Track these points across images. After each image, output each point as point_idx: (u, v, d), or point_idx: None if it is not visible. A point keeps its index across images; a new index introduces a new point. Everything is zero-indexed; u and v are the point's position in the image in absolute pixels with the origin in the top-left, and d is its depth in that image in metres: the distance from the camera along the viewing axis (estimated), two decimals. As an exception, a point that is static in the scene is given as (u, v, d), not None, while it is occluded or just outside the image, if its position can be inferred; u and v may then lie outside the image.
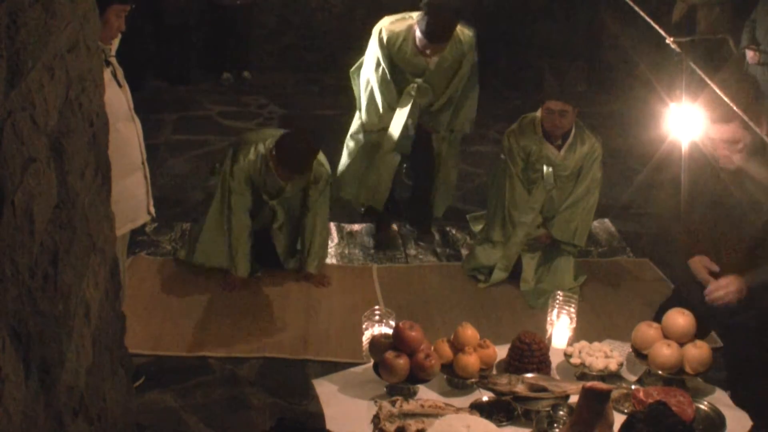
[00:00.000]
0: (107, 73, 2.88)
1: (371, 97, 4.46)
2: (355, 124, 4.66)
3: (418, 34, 4.22)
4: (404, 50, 4.32)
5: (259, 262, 4.39)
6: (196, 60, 8.27)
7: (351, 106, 4.75)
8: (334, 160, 5.61)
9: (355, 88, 4.65)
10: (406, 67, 4.37)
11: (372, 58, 4.42)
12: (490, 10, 8.20)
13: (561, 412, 2.45)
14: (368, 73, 4.45)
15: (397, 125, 4.43)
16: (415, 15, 4.26)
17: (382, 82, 4.38)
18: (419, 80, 4.37)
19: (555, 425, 2.43)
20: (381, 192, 4.63)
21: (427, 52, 4.27)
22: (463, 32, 4.38)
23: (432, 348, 2.66)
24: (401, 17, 4.38)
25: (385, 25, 4.36)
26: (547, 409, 2.47)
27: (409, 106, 4.38)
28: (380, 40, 4.34)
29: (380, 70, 4.37)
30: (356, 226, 4.96)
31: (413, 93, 4.37)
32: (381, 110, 4.43)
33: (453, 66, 4.42)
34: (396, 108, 4.42)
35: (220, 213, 4.19)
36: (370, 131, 4.52)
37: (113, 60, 3.00)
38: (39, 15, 1.38)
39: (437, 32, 4.16)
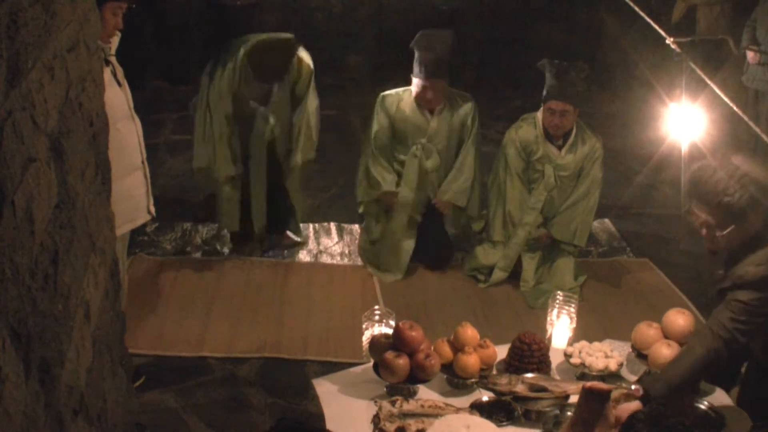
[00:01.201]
0: (107, 73, 2.87)
1: (374, 165, 4.42)
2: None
3: (414, 81, 4.25)
4: (403, 110, 4.35)
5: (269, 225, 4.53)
6: (197, 60, 8.27)
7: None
8: (336, 160, 5.63)
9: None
10: (408, 129, 4.38)
11: (375, 126, 4.43)
12: (490, 10, 8.21)
13: (569, 413, 2.44)
14: (366, 146, 4.47)
15: (407, 191, 4.41)
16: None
17: (381, 146, 4.39)
18: (423, 140, 4.37)
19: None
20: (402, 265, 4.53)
21: (428, 96, 4.24)
22: (462, 94, 4.44)
23: (432, 348, 2.66)
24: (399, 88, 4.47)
25: (385, 93, 4.44)
26: (548, 409, 2.47)
27: (415, 169, 4.37)
28: (381, 104, 4.39)
29: (379, 135, 4.38)
30: (356, 226, 4.96)
31: (418, 153, 4.37)
32: (385, 174, 4.39)
33: (456, 127, 4.40)
34: (401, 171, 4.41)
35: (204, 121, 4.20)
36: (382, 199, 4.45)
37: (113, 59, 3.00)
38: (39, 15, 1.38)
39: (431, 64, 4.17)
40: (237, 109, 4.19)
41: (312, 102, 4.38)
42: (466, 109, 4.39)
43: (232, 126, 4.20)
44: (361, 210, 4.59)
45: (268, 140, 4.35)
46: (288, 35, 4.19)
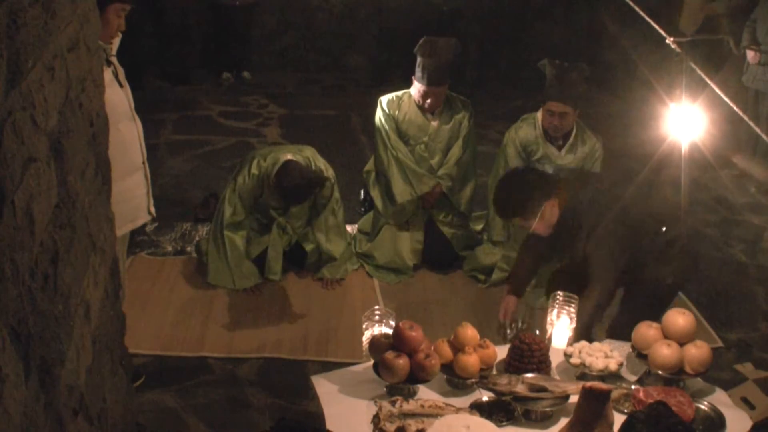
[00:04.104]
0: (108, 73, 2.88)
1: (398, 170, 4.39)
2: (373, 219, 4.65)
3: (415, 84, 4.28)
4: (404, 110, 4.37)
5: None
6: (196, 60, 8.27)
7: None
8: (336, 160, 5.60)
9: (370, 187, 4.59)
10: (410, 130, 4.39)
11: (380, 137, 4.43)
12: (490, 10, 8.22)
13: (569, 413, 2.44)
14: (383, 154, 4.44)
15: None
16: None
17: (397, 146, 4.38)
18: (426, 138, 4.39)
19: None
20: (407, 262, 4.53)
21: (428, 101, 4.28)
22: (462, 99, 4.46)
23: (432, 348, 2.66)
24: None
25: (382, 97, 4.44)
26: (548, 409, 2.47)
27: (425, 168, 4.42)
28: (381, 108, 4.41)
29: (390, 140, 4.38)
30: (356, 227, 4.95)
31: (425, 154, 4.41)
32: (409, 174, 4.38)
33: (454, 129, 4.42)
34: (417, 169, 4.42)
35: (219, 233, 4.18)
36: (402, 203, 4.42)
37: (114, 59, 3.00)
38: (39, 15, 1.38)
39: (433, 71, 4.19)
40: (257, 214, 4.19)
41: (332, 218, 4.31)
42: (464, 113, 4.43)
43: (248, 236, 4.18)
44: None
45: (284, 249, 4.33)
46: (321, 174, 4.06)
